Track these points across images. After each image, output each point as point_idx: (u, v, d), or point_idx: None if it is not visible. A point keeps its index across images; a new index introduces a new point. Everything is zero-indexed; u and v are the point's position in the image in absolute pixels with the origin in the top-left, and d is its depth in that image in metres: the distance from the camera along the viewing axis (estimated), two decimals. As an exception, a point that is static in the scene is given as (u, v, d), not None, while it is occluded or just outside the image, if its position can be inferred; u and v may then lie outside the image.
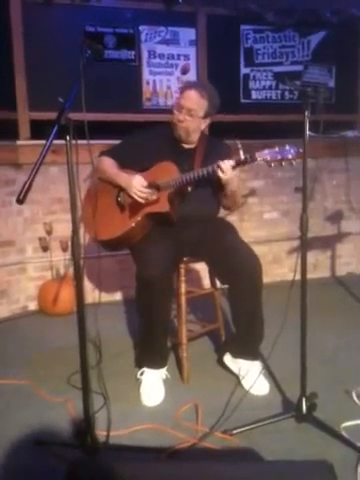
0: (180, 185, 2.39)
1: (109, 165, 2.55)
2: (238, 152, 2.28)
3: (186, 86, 2.53)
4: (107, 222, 2.48)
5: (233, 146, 2.37)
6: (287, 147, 2.16)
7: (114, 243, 2.50)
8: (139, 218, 2.43)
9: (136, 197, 2.43)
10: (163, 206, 2.40)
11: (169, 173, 2.41)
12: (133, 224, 2.43)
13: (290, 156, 2.15)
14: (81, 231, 1.91)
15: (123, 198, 2.49)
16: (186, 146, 2.58)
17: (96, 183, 2.59)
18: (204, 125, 2.54)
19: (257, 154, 2.22)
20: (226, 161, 2.28)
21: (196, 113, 2.45)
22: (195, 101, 2.44)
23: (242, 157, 2.26)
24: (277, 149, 2.18)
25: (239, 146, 2.28)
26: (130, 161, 2.51)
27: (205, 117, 2.50)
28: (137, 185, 2.42)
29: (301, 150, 2.05)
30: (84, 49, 1.93)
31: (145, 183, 2.43)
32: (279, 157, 2.17)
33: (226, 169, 2.27)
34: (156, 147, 2.50)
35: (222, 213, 2.75)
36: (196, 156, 2.52)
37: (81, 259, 1.83)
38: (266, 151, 2.20)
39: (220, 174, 2.29)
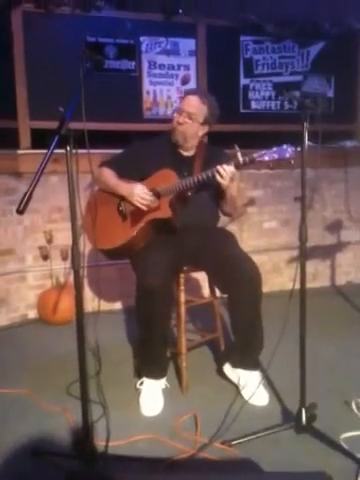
0: (180, 190, 2.40)
1: (109, 176, 2.57)
2: (236, 156, 2.29)
3: (188, 92, 2.63)
4: (109, 231, 2.49)
5: (231, 152, 2.38)
6: (284, 146, 2.19)
7: (117, 252, 2.50)
8: (141, 226, 2.44)
9: (138, 204, 2.43)
10: (165, 212, 2.41)
11: (169, 180, 2.43)
12: (135, 232, 2.43)
13: (288, 155, 2.18)
14: (81, 240, 1.91)
15: (124, 207, 2.50)
16: (185, 154, 2.60)
17: (96, 194, 2.60)
18: (202, 132, 2.56)
19: (255, 155, 2.25)
20: (225, 166, 2.30)
21: (196, 117, 2.49)
22: (196, 105, 2.49)
23: (241, 160, 2.28)
24: (275, 149, 2.22)
25: (237, 149, 2.30)
26: (130, 171, 2.53)
27: (204, 123, 2.53)
28: (140, 192, 2.43)
29: (299, 149, 2.08)
30: (84, 60, 1.95)
31: (147, 190, 2.44)
32: (277, 157, 2.20)
33: (225, 174, 2.29)
34: (155, 156, 2.52)
35: (222, 222, 2.76)
36: (195, 163, 2.54)
37: (81, 268, 1.83)
38: (264, 152, 2.24)
39: (219, 179, 2.31)
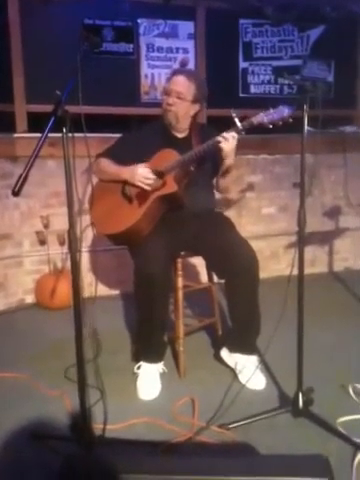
0: (183, 164, 2.38)
1: (108, 164, 2.54)
2: (235, 122, 2.27)
3: (174, 72, 2.56)
4: (118, 216, 2.45)
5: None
6: (281, 107, 2.19)
7: (126, 235, 2.43)
8: (149, 204, 2.40)
9: (142, 185, 2.40)
10: (171, 187, 2.38)
11: (170, 158, 2.41)
12: (144, 211, 2.39)
13: (285, 114, 2.17)
14: (78, 225, 1.90)
15: (129, 190, 2.46)
16: (180, 135, 2.59)
17: (97, 185, 2.58)
18: (193, 111, 2.54)
19: (253, 118, 2.24)
20: (227, 132, 2.29)
21: (184, 96, 2.46)
22: (183, 84, 2.46)
23: (239, 125, 2.27)
24: (272, 110, 2.20)
25: (234, 115, 2.28)
26: (127, 158, 2.50)
27: (194, 102, 2.50)
28: (142, 172, 2.40)
29: (295, 108, 2.07)
30: (81, 41, 1.92)
31: (149, 169, 2.42)
32: (276, 117, 2.19)
33: (229, 136, 2.28)
34: (150, 141, 2.50)
35: (221, 208, 2.74)
36: (193, 141, 2.52)
37: (78, 253, 1.82)
38: (262, 114, 2.22)
39: (223, 144, 2.29)
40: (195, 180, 2.46)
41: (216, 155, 2.39)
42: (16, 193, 1.59)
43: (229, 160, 2.39)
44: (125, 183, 2.48)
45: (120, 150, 2.58)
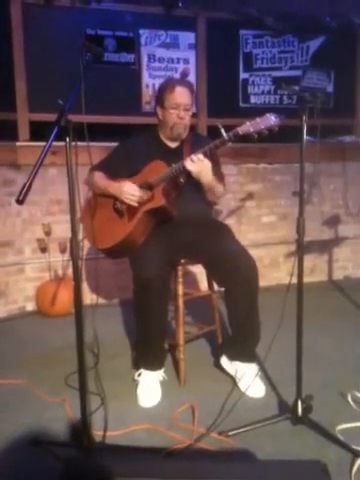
0: (171, 177, 2.40)
1: (99, 178, 2.58)
2: (220, 133, 2.26)
3: (173, 84, 2.53)
4: (109, 230, 2.49)
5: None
6: (268, 115, 2.16)
7: (118, 249, 2.48)
8: (138, 218, 2.43)
9: (129, 201, 2.44)
10: (158, 201, 2.40)
11: (159, 170, 2.43)
12: (133, 225, 2.43)
13: (272, 123, 2.15)
14: (80, 233, 1.92)
15: (120, 205, 2.51)
16: (173, 145, 2.62)
17: (92, 198, 2.62)
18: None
19: (239, 128, 2.22)
20: (192, 155, 2.31)
21: (190, 107, 2.53)
22: (188, 96, 2.51)
23: (225, 136, 2.26)
24: (258, 120, 2.18)
25: (220, 127, 2.27)
26: (120, 170, 2.54)
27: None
28: (128, 190, 2.43)
29: (282, 117, 2.08)
30: (84, 51, 1.95)
31: (135, 186, 2.45)
32: (262, 126, 2.17)
33: (195, 159, 2.30)
34: (143, 152, 2.54)
35: (221, 216, 2.76)
36: (184, 151, 2.54)
37: (80, 260, 1.84)
38: (248, 123, 2.20)
39: (189, 166, 2.31)
40: (186, 191, 2.48)
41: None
42: (20, 201, 1.61)
43: (204, 179, 2.41)
44: (116, 198, 2.52)
45: (113, 162, 2.62)
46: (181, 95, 2.49)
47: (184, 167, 2.35)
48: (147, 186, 2.44)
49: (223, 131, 2.26)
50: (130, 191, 2.43)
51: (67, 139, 1.73)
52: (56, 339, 3.10)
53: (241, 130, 2.21)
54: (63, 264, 3.67)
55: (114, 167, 2.57)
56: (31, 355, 2.91)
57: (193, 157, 2.31)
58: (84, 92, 1.82)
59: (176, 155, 2.52)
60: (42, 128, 3.76)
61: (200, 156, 2.31)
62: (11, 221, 3.59)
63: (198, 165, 2.32)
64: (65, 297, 3.51)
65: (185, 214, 2.46)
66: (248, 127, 2.19)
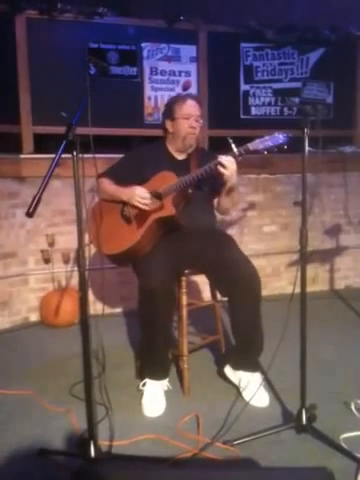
0: (181, 187, 2.44)
1: (108, 184, 2.62)
2: (231, 148, 2.34)
3: (183, 97, 2.65)
4: (116, 236, 2.52)
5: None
6: (276, 134, 2.26)
7: (125, 256, 2.51)
8: (147, 225, 2.46)
9: (139, 205, 2.47)
10: (169, 210, 2.44)
11: (169, 181, 2.47)
12: (142, 233, 2.45)
13: (281, 141, 2.24)
14: (86, 240, 1.94)
15: (128, 211, 2.53)
16: (180, 157, 2.66)
17: (99, 204, 2.64)
18: None
19: (250, 145, 2.31)
20: (224, 156, 2.35)
21: (200, 119, 2.61)
22: (198, 107, 2.60)
23: (236, 151, 2.33)
24: (267, 137, 2.27)
25: (230, 141, 2.35)
26: (128, 178, 2.57)
27: None
28: (140, 193, 2.47)
29: (291, 135, 2.14)
30: (89, 66, 1.99)
31: (146, 191, 2.49)
32: (271, 144, 2.26)
33: (228, 164, 2.34)
34: (151, 161, 2.59)
35: (223, 226, 2.79)
36: (191, 164, 2.59)
37: (86, 271, 1.86)
38: (257, 141, 2.30)
39: (222, 170, 2.35)
40: (193, 202, 2.52)
41: (215, 178, 2.45)
42: (30, 214, 1.65)
43: (232, 181, 2.46)
44: (124, 204, 2.55)
45: (121, 170, 2.65)
46: (192, 107, 2.57)
47: (216, 165, 2.36)
48: (156, 195, 2.47)
49: (234, 146, 2.34)
50: (142, 195, 2.47)
51: (74, 152, 1.77)
52: (60, 349, 3.10)
53: (251, 146, 2.30)
54: (66, 275, 3.68)
55: (123, 175, 2.60)
56: (35, 365, 2.93)
57: (225, 162, 2.33)
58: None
59: (183, 167, 2.56)
60: (46, 141, 3.81)
61: (231, 158, 2.35)
62: (15, 232, 3.62)
63: (231, 168, 2.36)
64: (69, 307, 3.52)
65: (191, 224, 2.49)
66: (257, 144, 2.28)
